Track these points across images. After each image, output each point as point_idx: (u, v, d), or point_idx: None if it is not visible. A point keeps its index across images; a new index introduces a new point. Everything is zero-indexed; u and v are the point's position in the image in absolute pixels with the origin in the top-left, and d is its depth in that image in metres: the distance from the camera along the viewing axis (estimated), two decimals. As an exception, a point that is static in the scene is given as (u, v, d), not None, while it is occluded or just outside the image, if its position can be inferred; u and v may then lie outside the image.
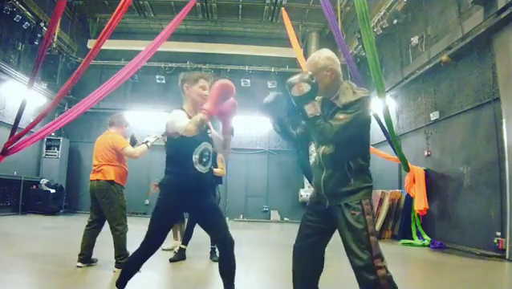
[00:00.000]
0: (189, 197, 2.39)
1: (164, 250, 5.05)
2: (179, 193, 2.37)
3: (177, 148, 2.41)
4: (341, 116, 1.87)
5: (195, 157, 2.37)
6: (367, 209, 1.88)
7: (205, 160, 2.43)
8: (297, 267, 2.08)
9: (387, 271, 1.79)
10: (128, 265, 2.43)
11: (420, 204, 6.95)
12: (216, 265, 2.50)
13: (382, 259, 1.81)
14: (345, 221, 1.88)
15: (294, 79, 1.88)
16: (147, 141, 3.90)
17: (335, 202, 1.95)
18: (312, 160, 2.14)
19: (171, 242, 5.19)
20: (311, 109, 1.87)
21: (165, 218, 2.42)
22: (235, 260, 2.44)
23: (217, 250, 4.57)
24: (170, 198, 2.38)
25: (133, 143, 4.01)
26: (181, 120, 2.28)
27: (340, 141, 1.90)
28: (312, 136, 2.00)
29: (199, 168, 2.39)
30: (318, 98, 2.01)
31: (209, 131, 2.55)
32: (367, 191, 1.94)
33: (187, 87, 2.51)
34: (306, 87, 1.84)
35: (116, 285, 2.37)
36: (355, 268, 1.82)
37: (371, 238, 1.82)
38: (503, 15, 5.27)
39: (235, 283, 2.42)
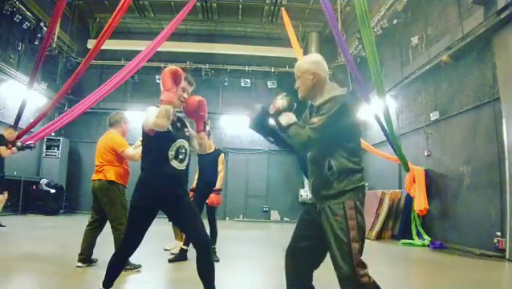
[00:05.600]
0: (164, 196, 2.38)
1: (165, 249, 5.05)
2: (153, 193, 2.36)
3: (153, 145, 2.41)
4: (315, 120, 1.85)
5: (170, 153, 2.38)
6: (350, 214, 1.79)
7: (181, 156, 2.43)
8: (289, 267, 2.02)
9: (369, 277, 1.73)
10: (111, 265, 2.41)
11: (420, 204, 6.96)
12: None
13: (364, 266, 1.74)
14: (329, 226, 1.82)
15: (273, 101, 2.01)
16: None
17: (320, 205, 1.91)
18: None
19: (173, 242, 5.19)
20: (284, 119, 1.94)
21: (141, 218, 2.38)
22: (213, 263, 2.44)
23: (217, 250, 4.62)
24: (144, 199, 2.36)
25: None
26: (153, 116, 2.31)
27: (318, 145, 1.89)
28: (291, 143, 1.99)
29: (175, 164, 2.39)
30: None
31: (186, 129, 2.55)
32: (352, 194, 1.83)
33: None
34: (281, 103, 1.96)
35: (103, 285, 2.37)
36: (338, 278, 1.76)
37: (352, 244, 1.74)
38: (503, 15, 5.28)
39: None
